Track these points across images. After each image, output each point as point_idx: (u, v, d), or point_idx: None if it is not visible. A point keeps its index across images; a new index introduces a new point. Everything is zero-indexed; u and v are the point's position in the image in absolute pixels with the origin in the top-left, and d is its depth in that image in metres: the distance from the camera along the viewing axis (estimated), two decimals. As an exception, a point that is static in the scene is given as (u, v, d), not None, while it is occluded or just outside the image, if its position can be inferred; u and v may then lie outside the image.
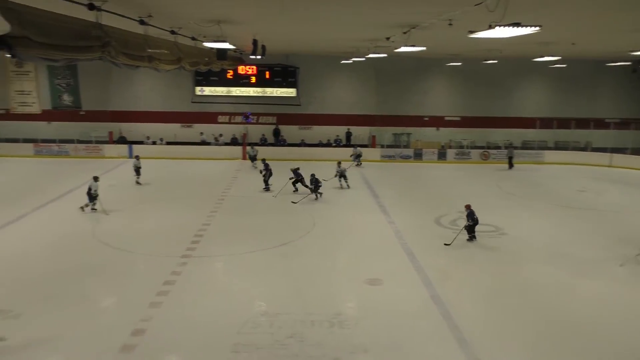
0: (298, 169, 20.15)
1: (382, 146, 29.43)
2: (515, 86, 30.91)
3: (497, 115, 30.91)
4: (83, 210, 16.84)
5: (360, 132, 30.30)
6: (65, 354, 9.01)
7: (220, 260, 13.54)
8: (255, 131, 30.01)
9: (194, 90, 29.73)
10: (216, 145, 28.99)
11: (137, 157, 21.58)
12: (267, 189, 20.32)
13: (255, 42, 15.37)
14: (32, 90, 29.49)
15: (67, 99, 29.69)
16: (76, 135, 28.39)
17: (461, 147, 29.67)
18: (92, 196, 16.75)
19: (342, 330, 9.69)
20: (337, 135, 30.23)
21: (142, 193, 20.40)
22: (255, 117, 30.37)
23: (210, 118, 30.13)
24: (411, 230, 15.58)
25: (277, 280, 12.14)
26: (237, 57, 24.26)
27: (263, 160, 21.38)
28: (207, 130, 29.81)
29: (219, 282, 12.27)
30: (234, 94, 29.91)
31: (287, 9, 9.80)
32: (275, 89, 29.91)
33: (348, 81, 30.71)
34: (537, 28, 7.65)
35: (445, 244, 14.33)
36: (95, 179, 17.00)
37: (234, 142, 29.26)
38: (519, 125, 30.78)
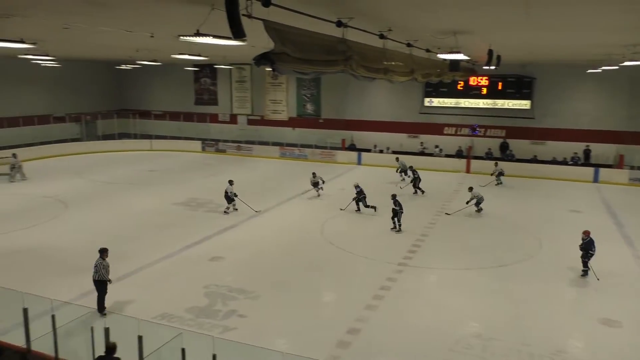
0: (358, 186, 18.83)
1: (632, 167, 25.36)
2: None
3: None
4: (227, 213, 18.09)
5: (602, 150, 26.63)
6: (289, 338, 10.00)
7: (436, 273, 13.40)
8: (481, 144, 28.86)
9: (422, 101, 30.05)
10: (438, 156, 28.76)
11: (314, 174, 21.19)
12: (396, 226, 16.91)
13: (490, 52, 14.80)
14: (282, 99, 33.69)
15: (309, 108, 33.06)
16: (314, 140, 31.37)
17: None
18: (230, 198, 18.08)
19: (567, 371, 8.67)
20: (575, 153, 27.11)
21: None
22: (483, 129, 29.23)
23: (436, 129, 30.08)
24: (666, 270, 13.09)
25: (493, 302, 11.47)
26: (469, 68, 23.68)
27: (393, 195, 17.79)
28: (432, 141, 29.80)
29: (433, 295, 12.14)
30: (462, 105, 29.31)
31: (533, 16, 9.16)
32: (506, 101, 28.30)
33: (592, 93, 27.25)
34: None
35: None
36: (230, 182, 18.32)
37: (458, 154, 28.66)
38: None
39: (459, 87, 28.84)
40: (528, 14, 8.94)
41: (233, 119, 35.35)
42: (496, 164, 24.75)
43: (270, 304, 11.32)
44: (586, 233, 12.87)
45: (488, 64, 15.37)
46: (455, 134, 29.73)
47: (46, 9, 9.16)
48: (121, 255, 13.93)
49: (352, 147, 31.06)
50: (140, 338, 7.22)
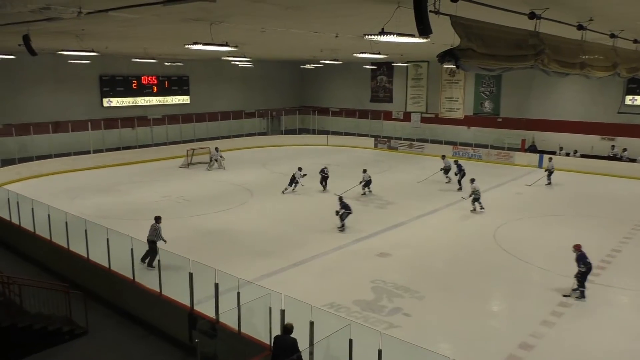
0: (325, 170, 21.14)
1: None
2: None
3: None
4: (283, 193, 20.55)
5: None
6: (454, 343, 9.67)
7: (627, 295, 11.78)
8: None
9: (623, 100, 26.45)
10: (633, 162, 24.97)
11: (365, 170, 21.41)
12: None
13: None
14: (459, 97, 32.57)
15: (487, 106, 31.42)
16: (490, 140, 29.77)
17: None
18: (292, 181, 20.57)
19: None
20: None
21: (547, 205, 19.65)
22: None
23: (637, 131, 26.26)
24: None
25: None
26: (688, 61, 20.12)
27: None
28: (629, 144, 26.06)
29: (624, 319, 10.66)
30: (675, 104, 25.13)
31: None
32: None
33: None
34: None
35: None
36: (300, 169, 20.91)
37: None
38: None
39: (672, 82, 24.76)
40: None
41: (406, 117, 35.25)
42: (550, 160, 23.06)
43: (436, 306, 11.08)
44: (576, 247, 11.27)
45: None
46: (662, 137, 25.62)
47: (250, 15, 10.13)
48: (297, 242, 14.93)
49: (532, 149, 28.72)
50: (311, 324, 7.62)
